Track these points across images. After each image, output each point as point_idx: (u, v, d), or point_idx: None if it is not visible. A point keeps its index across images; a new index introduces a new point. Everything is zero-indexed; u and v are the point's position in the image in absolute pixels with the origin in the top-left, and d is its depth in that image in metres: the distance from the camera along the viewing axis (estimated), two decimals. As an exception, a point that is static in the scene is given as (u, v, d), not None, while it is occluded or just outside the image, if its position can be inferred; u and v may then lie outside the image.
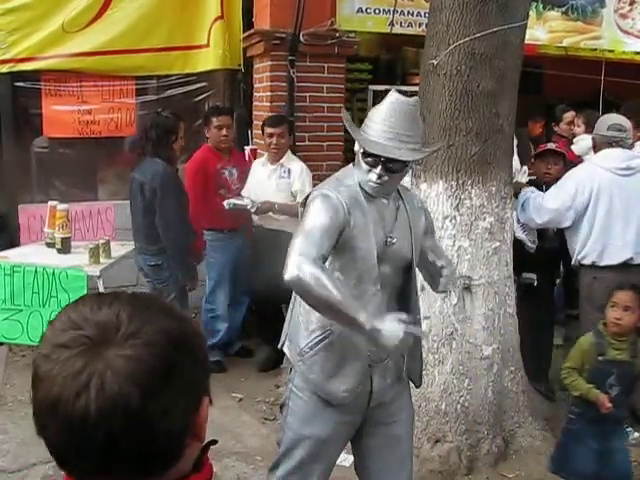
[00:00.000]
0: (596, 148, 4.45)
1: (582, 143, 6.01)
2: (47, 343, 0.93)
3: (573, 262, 4.40)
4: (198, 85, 6.45)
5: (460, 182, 3.79)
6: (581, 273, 4.38)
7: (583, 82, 7.06)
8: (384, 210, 2.47)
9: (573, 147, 6.18)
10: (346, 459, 3.52)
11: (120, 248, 5.21)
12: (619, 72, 6.99)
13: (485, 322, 3.88)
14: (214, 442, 1.05)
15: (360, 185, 2.42)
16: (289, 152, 5.13)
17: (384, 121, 2.35)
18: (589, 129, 5.98)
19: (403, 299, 2.54)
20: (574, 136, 6.45)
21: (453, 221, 3.81)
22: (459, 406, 3.89)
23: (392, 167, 2.37)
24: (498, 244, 3.89)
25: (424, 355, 3.82)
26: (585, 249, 4.28)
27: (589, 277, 4.28)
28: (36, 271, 4.69)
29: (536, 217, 4.34)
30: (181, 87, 6.45)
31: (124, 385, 0.87)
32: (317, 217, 2.29)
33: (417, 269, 2.63)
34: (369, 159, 2.38)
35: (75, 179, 6.39)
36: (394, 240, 2.44)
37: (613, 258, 4.21)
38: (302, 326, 2.51)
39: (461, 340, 3.86)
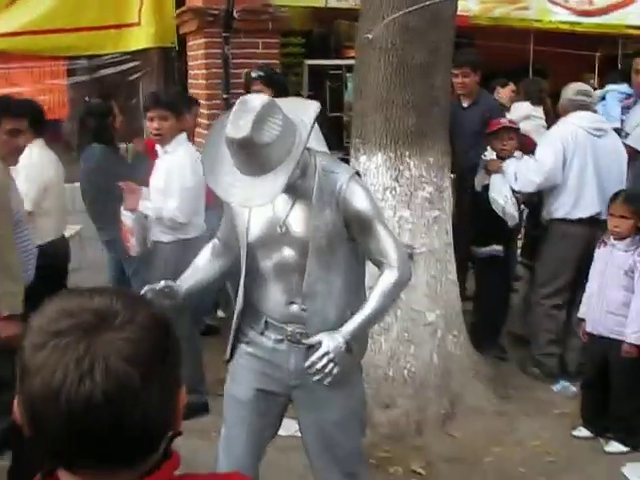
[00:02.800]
0: (564, 113, 4.64)
1: (519, 110, 6.18)
2: (40, 332, 0.92)
3: (544, 215, 4.63)
4: (132, 64, 6.41)
5: (399, 154, 3.87)
6: (551, 228, 4.60)
7: (513, 52, 7.25)
8: (279, 199, 2.37)
9: (509, 115, 6.35)
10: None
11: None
12: (547, 41, 7.20)
13: (428, 289, 4.00)
14: (179, 433, 1.05)
15: None
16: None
17: (231, 163, 2.26)
18: (522, 96, 6.19)
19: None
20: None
21: (393, 192, 3.90)
22: (406, 371, 4.01)
23: None
24: (438, 213, 4.00)
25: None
26: (558, 201, 4.51)
27: (559, 232, 4.54)
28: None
29: (534, 177, 4.48)
30: (114, 67, 6.38)
31: (127, 367, 0.89)
32: None
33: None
34: None
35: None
36: (283, 229, 2.42)
37: (584, 211, 4.45)
38: None
39: (405, 308, 3.96)
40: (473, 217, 4.83)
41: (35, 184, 4.09)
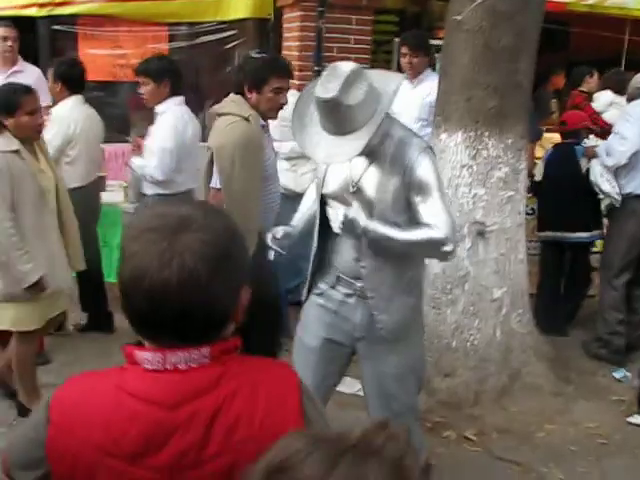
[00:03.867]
0: (631, 100, 4.87)
1: (602, 99, 6.16)
2: (136, 228, 1.20)
3: (618, 192, 4.77)
4: (229, 33, 6.64)
5: (478, 133, 4.00)
6: (622, 205, 4.77)
7: (608, 40, 7.15)
8: (356, 159, 2.57)
9: (593, 104, 6.32)
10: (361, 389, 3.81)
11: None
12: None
13: (496, 266, 4.14)
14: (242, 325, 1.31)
15: None
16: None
17: (319, 120, 2.46)
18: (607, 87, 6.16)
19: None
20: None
21: (470, 170, 4.04)
22: (468, 344, 4.17)
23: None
24: (512, 193, 4.11)
25: (438, 296, 4.14)
26: (630, 175, 4.69)
27: (629, 209, 4.72)
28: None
29: (625, 149, 4.65)
30: (212, 34, 6.63)
31: (198, 263, 1.14)
32: None
33: None
34: None
35: (109, 121, 6.63)
36: (355, 189, 2.61)
37: None
38: None
39: (473, 282, 4.12)
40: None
41: (60, 135, 4.45)
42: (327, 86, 2.37)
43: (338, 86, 2.34)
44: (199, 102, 6.56)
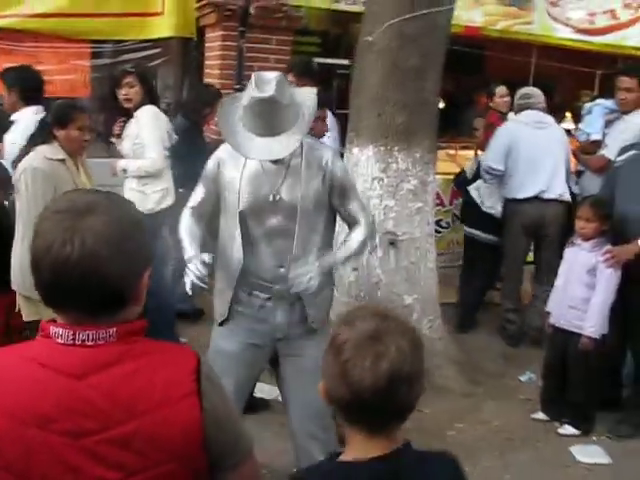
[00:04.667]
0: (516, 113, 5.51)
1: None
2: (48, 210, 1.34)
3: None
4: (153, 51, 6.73)
5: (388, 148, 4.23)
6: (505, 207, 5.40)
7: (520, 64, 7.57)
8: (271, 169, 2.79)
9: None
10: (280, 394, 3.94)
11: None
12: (550, 57, 7.52)
13: (407, 274, 4.35)
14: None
15: None
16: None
17: (251, 122, 2.64)
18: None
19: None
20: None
21: (381, 182, 4.26)
22: (382, 349, 4.34)
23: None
24: (421, 204, 4.35)
25: (352, 303, 4.31)
26: (509, 185, 5.30)
27: (510, 210, 5.34)
28: None
29: (494, 165, 5.30)
30: (136, 52, 6.71)
31: (99, 242, 1.28)
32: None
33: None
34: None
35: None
36: (277, 197, 2.79)
37: (528, 191, 5.19)
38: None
39: (385, 289, 4.32)
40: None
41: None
42: (263, 88, 2.56)
43: (273, 87, 2.55)
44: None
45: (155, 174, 4.51)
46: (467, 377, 4.63)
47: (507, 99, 6.57)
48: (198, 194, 2.94)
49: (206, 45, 6.55)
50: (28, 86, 4.59)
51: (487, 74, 9.19)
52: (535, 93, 5.44)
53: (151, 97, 4.60)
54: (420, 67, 4.18)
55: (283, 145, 2.63)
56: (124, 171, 4.56)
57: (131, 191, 4.54)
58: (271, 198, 2.78)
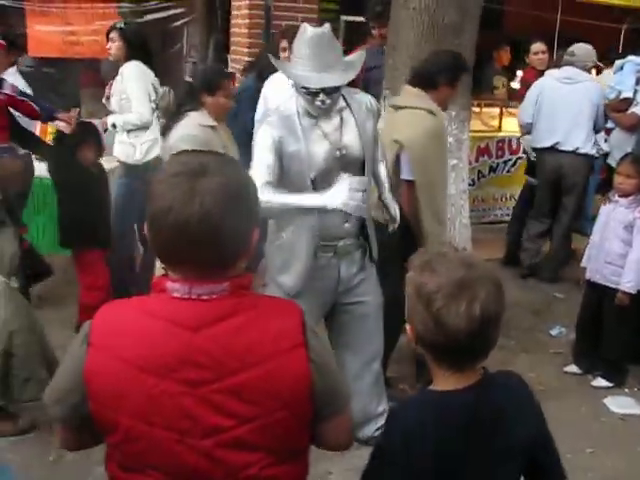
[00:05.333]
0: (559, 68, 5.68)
1: None
2: (164, 173, 1.40)
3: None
4: (177, 10, 6.73)
5: (424, 105, 4.23)
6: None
7: (542, 20, 7.50)
8: (327, 127, 2.87)
9: None
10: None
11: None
12: (575, 12, 7.43)
13: (442, 230, 4.40)
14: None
15: (299, 113, 2.85)
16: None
17: (310, 55, 2.72)
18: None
19: None
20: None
21: (417, 140, 4.28)
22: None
23: (330, 91, 2.77)
24: (456, 161, 4.38)
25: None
26: (533, 135, 5.63)
27: (537, 158, 5.67)
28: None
29: (525, 119, 5.72)
30: (160, 12, 6.72)
31: (216, 203, 1.34)
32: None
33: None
34: (308, 91, 2.77)
35: (58, 98, 6.65)
36: (344, 151, 2.88)
37: (545, 142, 5.52)
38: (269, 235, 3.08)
39: (421, 246, 4.37)
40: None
41: None
42: (315, 30, 2.71)
43: (326, 27, 2.75)
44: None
45: (142, 127, 4.63)
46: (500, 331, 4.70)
47: (542, 56, 6.51)
48: (265, 167, 2.79)
49: (232, 3, 6.51)
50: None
51: (506, 30, 9.11)
52: (580, 52, 5.51)
53: (138, 53, 4.68)
54: (457, 24, 4.18)
55: (339, 76, 2.75)
56: (113, 126, 4.70)
57: (121, 144, 4.72)
58: (338, 154, 2.87)
